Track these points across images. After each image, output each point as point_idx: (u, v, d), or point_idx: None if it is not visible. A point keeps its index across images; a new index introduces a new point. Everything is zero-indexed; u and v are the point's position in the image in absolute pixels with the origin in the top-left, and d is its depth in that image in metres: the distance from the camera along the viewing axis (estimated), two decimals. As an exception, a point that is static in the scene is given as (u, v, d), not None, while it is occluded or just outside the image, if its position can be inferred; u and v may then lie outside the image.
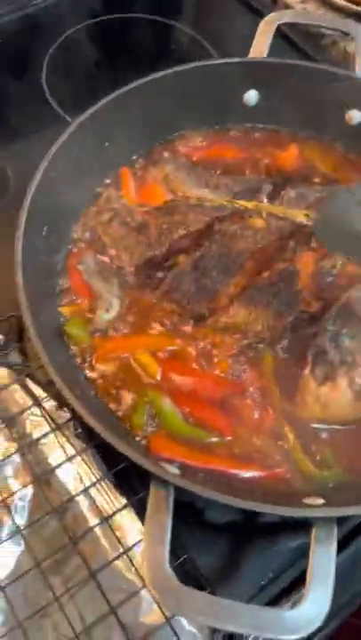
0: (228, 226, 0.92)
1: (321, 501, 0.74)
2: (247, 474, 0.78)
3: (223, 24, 1.44)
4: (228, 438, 0.82)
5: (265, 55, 1.09)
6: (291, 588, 0.81)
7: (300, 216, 0.93)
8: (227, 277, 0.86)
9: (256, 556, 0.84)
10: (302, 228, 0.93)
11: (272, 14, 1.15)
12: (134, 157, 1.11)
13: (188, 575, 0.80)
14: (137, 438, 0.82)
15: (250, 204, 0.95)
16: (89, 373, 0.87)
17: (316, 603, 0.63)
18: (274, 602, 0.81)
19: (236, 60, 1.06)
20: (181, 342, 0.87)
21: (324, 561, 0.66)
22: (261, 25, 1.13)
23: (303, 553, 0.69)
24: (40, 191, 0.89)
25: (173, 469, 0.75)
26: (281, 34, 1.32)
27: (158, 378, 0.85)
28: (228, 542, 0.85)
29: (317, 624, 0.62)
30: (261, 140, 1.16)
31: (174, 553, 0.83)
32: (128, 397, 0.84)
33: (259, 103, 1.12)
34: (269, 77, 1.07)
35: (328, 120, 1.12)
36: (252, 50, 1.09)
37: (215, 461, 0.79)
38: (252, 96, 1.10)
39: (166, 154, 1.11)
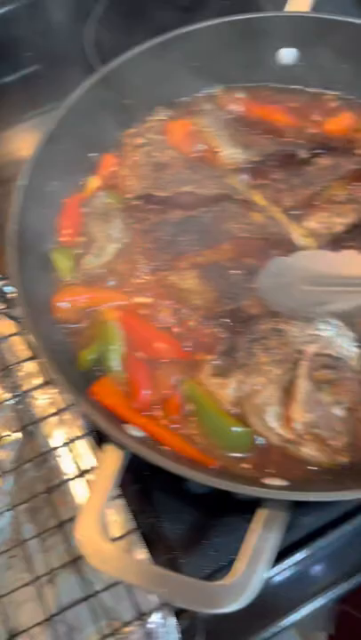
0: (231, 205, 0.92)
1: (284, 483, 0.71)
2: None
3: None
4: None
5: (309, 9, 1.02)
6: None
7: (298, 233, 0.89)
8: (199, 246, 0.87)
9: (227, 533, 0.82)
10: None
11: None
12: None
13: (155, 536, 0.81)
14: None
15: (263, 202, 0.93)
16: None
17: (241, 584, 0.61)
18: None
19: (270, 14, 1.00)
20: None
21: (264, 545, 0.64)
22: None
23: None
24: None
25: (137, 432, 0.75)
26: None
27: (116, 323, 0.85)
28: (201, 513, 0.84)
29: (241, 604, 0.60)
30: (309, 106, 1.08)
31: (144, 513, 0.84)
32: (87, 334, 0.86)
33: (298, 62, 1.05)
34: (306, 35, 1.00)
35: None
36: (288, 2, 1.01)
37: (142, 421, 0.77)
38: (286, 54, 1.03)
39: (207, 106, 1.08)
